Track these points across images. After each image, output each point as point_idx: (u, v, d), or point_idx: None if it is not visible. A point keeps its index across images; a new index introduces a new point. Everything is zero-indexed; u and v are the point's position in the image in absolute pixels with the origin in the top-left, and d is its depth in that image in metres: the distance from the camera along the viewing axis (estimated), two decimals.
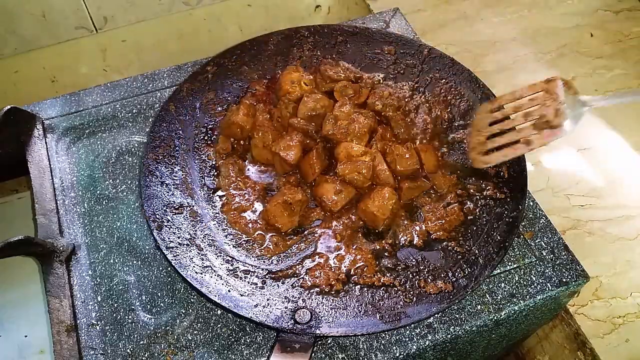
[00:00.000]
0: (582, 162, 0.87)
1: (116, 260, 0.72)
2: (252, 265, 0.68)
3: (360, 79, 0.85)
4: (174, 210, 0.71)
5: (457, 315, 0.66)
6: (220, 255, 0.68)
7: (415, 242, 0.70)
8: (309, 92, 0.80)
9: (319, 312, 0.63)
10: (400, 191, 0.72)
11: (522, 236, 0.73)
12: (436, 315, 0.66)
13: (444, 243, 0.69)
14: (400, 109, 0.81)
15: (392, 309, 0.63)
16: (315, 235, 0.71)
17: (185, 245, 0.68)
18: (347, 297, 0.65)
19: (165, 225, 0.69)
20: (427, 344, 0.65)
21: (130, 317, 0.67)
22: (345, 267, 0.68)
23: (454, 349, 0.71)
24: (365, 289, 0.66)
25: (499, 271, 0.70)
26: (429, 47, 0.86)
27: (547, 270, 0.70)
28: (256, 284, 0.66)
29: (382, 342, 0.65)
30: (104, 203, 0.77)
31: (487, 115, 0.72)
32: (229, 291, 0.65)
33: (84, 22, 1.14)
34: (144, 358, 0.64)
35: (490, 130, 0.71)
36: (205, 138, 0.80)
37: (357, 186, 0.72)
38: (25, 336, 0.86)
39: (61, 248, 0.71)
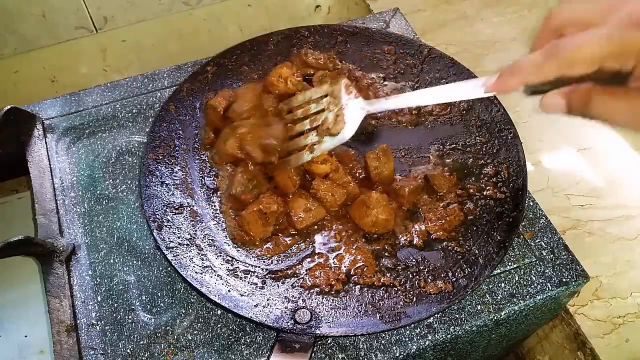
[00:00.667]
0: (582, 162, 0.87)
1: (116, 260, 0.72)
2: (252, 265, 0.68)
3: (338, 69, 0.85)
4: (174, 210, 0.71)
5: (457, 315, 0.66)
6: (220, 255, 0.68)
7: (415, 242, 0.70)
8: (294, 91, 0.79)
9: (319, 312, 0.63)
10: (403, 199, 0.72)
11: (522, 236, 0.73)
12: (436, 315, 0.66)
13: (444, 243, 0.69)
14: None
15: (392, 309, 0.63)
16: (315, 236, 0.71)
17: (185, 245, 0.68)
18: (347, 297, 0.65)
19: (165, 225, 0.69)
20: (427, 344, 0.65)
21: (130, 317, 0.67)
22: (345, 267, 0.68)
23: (454, 349, 0.71)
24: (365, 289, 0.66)
25: (499, 271, 0.70)
26: (429, 47, 0.86)
27: (547, 270, 0.70)
28: (256, 284, 0.66)
29: (382, 342, 0.65)
30: (104, 203, 0.77)
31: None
32: (229, 291, 0.65)
33: (84, 22, 1.14)
34: (144, 358, 0.64)
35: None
36: None
37: (326, 207, 0.71)
38: (25, 336, 0.86)
39: (61, 248, 0.71)
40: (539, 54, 0.47)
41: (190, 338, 0.66)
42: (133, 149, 0.83)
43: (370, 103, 0.65)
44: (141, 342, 0.65)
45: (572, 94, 0.47)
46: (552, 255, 0.71)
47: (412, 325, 0.65)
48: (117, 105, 0.88)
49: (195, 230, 0.70)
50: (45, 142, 0.84)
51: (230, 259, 0.68)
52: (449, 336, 0.65)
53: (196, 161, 0.78)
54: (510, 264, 0.70)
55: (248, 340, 0.65)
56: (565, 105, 0.48)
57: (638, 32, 0.42)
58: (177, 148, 0.78)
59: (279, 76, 0.79)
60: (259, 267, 0.68)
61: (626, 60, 0.42)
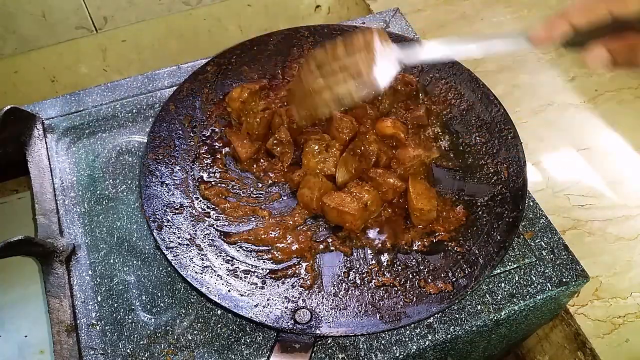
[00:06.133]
0: (582, 162, 0.87)
1: (116, 260, 0.72)
2: (252, 265, 0.68)
3: None
4: (174, 210, 0.71)
5: (457, 315, 0.66)
6: (220, 255, 0.68)
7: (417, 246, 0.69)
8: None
9: (319, 312, 0.63)
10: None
11: (522, 236, 0.73)
12: (436, 315, 0.66)
13: (444, 243, 0.69)
14: None
15: (392, 309, 0.63)
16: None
17: (185, 245, 0.68)
18: (347, 297, 0.65)
19: (165, 225, 0.69)
20: (427, 344, 0.65)
21: (130, 317, 0.67)
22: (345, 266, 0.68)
23: (454, 349, 0.71)
24: (365, 289, 0.66)
25: (499, 271, 0.70)
26: None
27: (547, 270, 0.70)
28: (256, 284, 0.66)
29: (382, 342, 0.65)
30: (104, 203, 0.77)
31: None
32: (229, 291, 0.65)
33: (84, 22, 1.14)
34: (144, 358, 0.64)
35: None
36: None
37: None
38: (25, 336, 0.86)
39: (61, 248, 0.71)
40: None
41: (190, 338, 0.66)
42: (133, 149, 0.83)
43: (406, 53, 0.63)
44: (141, 342, 0.65)
45: (617, 46, 0.45)
46: (552, 255, 0.71)
47: (412, 325, 0.65)
48: (117, 105, 0.88)
49: (195, 230, 0.70)
50: (45, 142, 0.84)
51: (230, 259, 0.68)
52: (449, 336, 0.65)
53: (196, 161, 0.78)
54: (510, 264, 0.70)
55: (248, 340, 0.65)
56: (610, 59, 0.46)
57: None
58: (177, 148, 0.78)
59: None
60: (259, 267, 0.68)
61: None
